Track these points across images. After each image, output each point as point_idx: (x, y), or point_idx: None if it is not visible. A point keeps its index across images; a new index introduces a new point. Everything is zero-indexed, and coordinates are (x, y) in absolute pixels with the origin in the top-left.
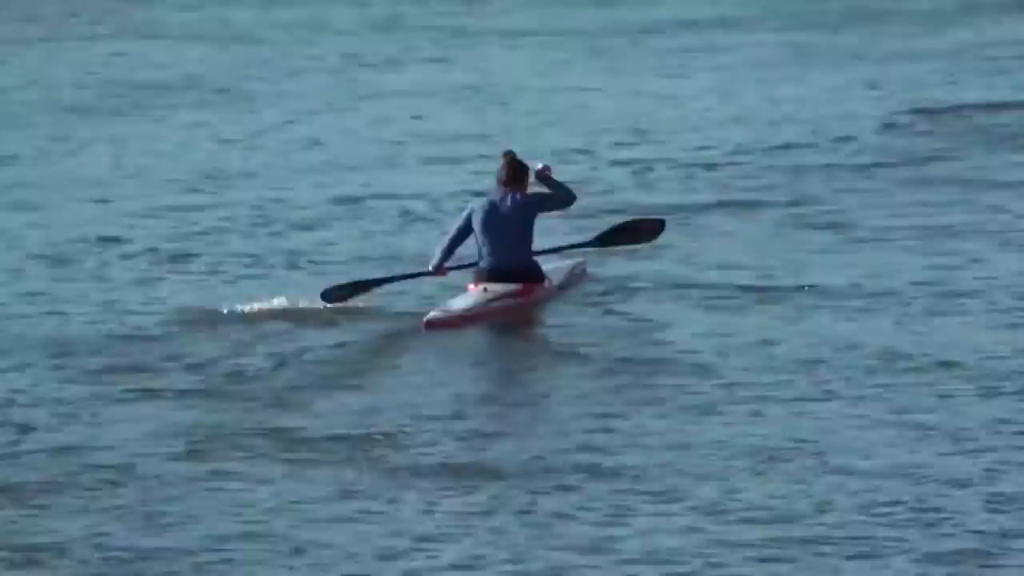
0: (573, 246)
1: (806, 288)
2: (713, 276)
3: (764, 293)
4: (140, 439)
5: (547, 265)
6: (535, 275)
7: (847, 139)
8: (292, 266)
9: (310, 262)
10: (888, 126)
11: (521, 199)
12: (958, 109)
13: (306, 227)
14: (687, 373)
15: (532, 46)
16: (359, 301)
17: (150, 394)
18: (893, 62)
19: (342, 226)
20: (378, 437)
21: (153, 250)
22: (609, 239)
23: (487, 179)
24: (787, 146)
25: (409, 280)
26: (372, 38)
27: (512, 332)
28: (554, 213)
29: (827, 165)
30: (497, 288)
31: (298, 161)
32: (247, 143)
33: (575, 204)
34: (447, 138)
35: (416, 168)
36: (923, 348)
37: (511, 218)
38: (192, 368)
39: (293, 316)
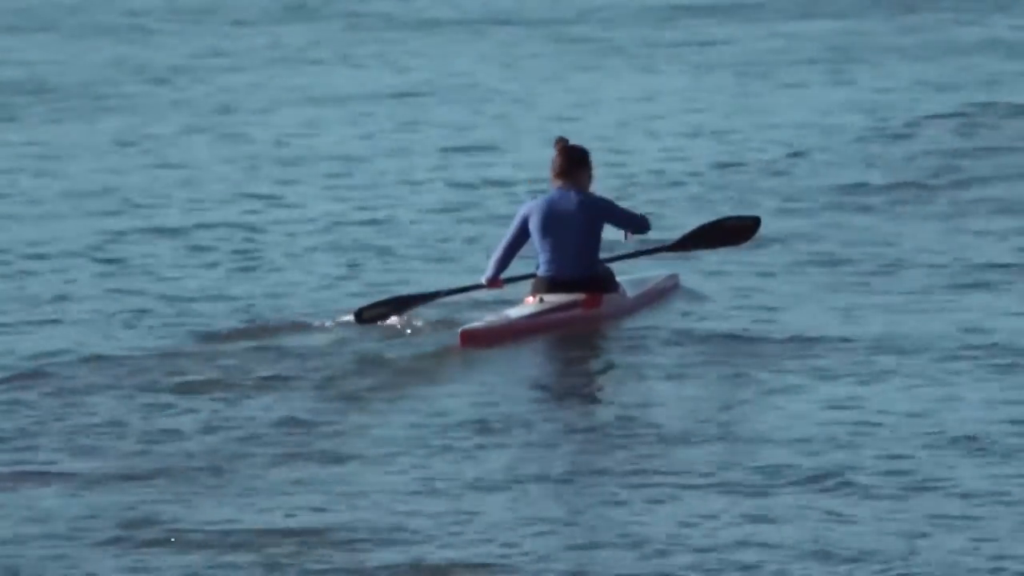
0: (648, 251)
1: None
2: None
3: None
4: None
5: (629, 276)
6: (603, 284)
7: (801, 154)
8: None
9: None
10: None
11: (586, 198)
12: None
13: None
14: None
15: (473, 38)
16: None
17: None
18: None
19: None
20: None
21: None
22: (694, 241)
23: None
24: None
25: (460, 295)
26: (279, 29)
27: (561, 348)
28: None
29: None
30: (555, 299)
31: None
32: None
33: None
34: (383, 152)
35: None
36: None
37: (572, 218)
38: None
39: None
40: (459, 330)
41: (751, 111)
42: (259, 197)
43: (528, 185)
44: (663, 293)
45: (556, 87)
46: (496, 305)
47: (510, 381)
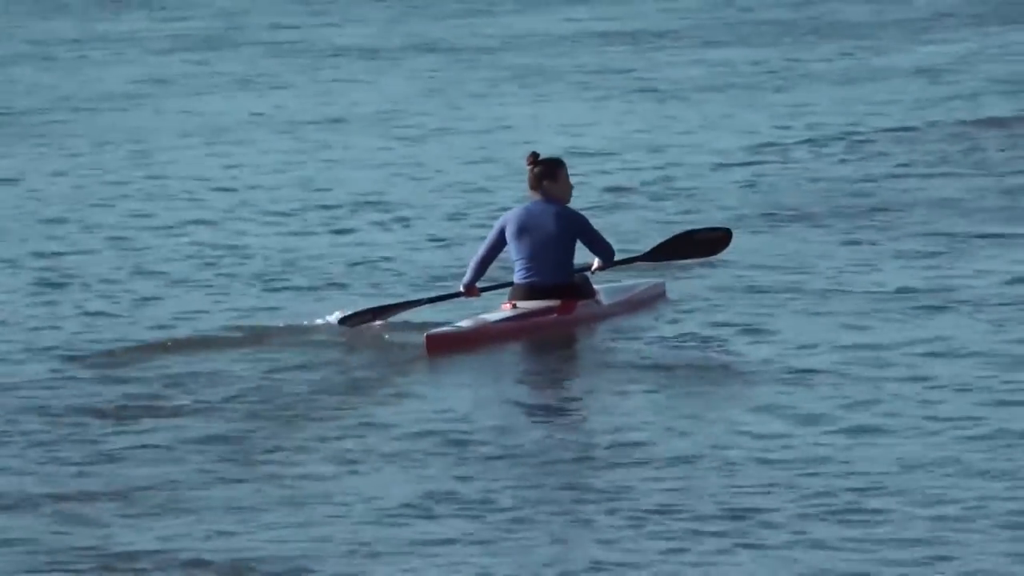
0: (621, 262)
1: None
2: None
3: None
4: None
5: (613, 284)
6: (578, 291)
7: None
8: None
9: None
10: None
11: (562, 210)
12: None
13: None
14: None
15: (391, 65)
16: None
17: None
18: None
19: None
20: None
21: None
22: (666, 252)
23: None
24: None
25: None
26: (180, 57)
27: (526, 357)
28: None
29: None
30: (530, 306)
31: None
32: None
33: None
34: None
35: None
36: None
37: (548, 228)
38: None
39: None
40: (425, 335)
41: (674, 136)
42: (163, 226)
43: (450, 209)
44: (644, 301)
45: (476, 112)
46: (472, 311)
47: (469, 395)
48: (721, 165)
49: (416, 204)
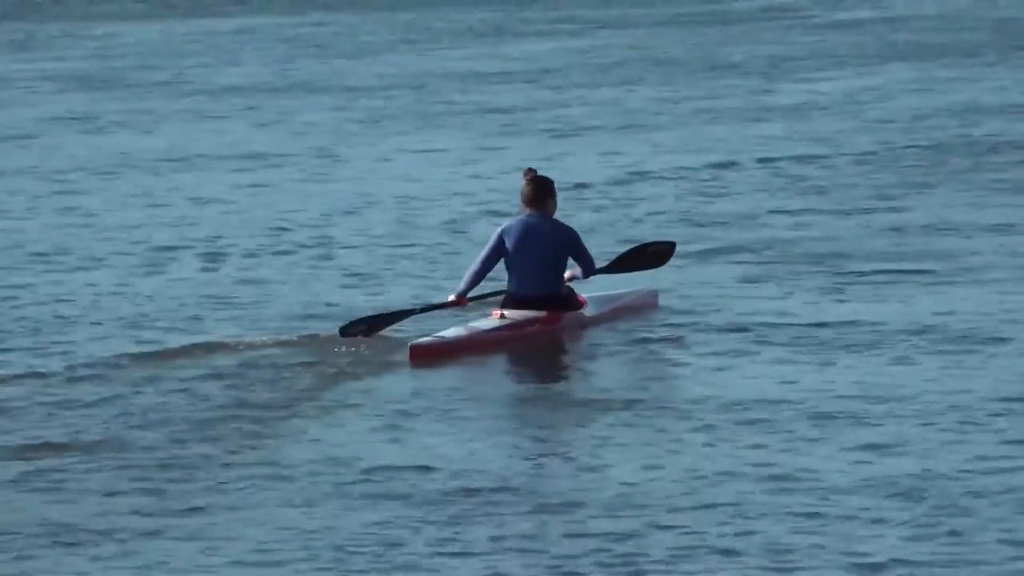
0: (588, 274)
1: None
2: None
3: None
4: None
5: (604, 292)
6: (565, 303)
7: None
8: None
9: None
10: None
11: (557, 225)
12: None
13: None
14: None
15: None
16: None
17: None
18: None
19: None
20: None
21: None
22: (621, 265)
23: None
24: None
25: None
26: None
27: (517, 361)
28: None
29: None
30: (518, 315)
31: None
32: None
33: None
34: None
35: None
36: None
37: (543, 241)
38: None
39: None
40: (409, 345)
41: (560, 174)
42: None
43: (321, 248)
44: (635, 309)
45: (346, 152)
46: (461, 320)
47: (425, 414)
48: (605, 197)
49: (267, 242)
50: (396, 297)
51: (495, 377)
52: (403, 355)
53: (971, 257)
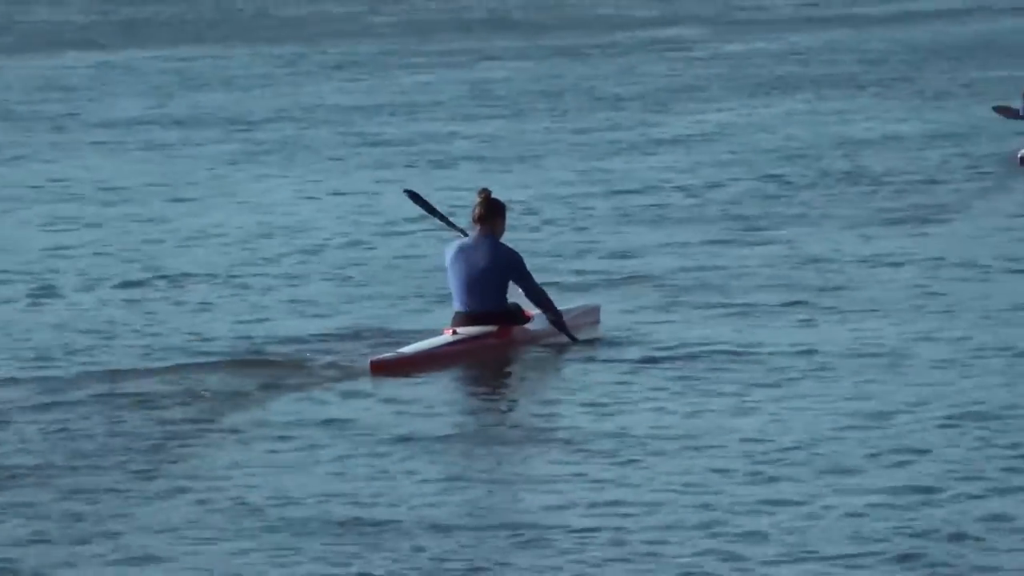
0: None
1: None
2: None
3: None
4: None
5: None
6: (512, 317)
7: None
8: None
9: None
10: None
11: (499, 246)
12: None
13: None
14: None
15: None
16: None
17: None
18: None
19: None
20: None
21: None
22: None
23: None
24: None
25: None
26: None
27: (470, 376)
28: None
29: None
30: (469, 331)
31: None
32: None
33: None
34: None
35: None
36: None
37: (485, 260)
38: None
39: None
40: (369, 360)
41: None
42: None
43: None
44: (578, 324)
45: (223, 185)
46: (414, 336)
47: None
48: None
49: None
50: (286, 325)
51: (435, 397)
52: (317, 379)
53: (850, 287)
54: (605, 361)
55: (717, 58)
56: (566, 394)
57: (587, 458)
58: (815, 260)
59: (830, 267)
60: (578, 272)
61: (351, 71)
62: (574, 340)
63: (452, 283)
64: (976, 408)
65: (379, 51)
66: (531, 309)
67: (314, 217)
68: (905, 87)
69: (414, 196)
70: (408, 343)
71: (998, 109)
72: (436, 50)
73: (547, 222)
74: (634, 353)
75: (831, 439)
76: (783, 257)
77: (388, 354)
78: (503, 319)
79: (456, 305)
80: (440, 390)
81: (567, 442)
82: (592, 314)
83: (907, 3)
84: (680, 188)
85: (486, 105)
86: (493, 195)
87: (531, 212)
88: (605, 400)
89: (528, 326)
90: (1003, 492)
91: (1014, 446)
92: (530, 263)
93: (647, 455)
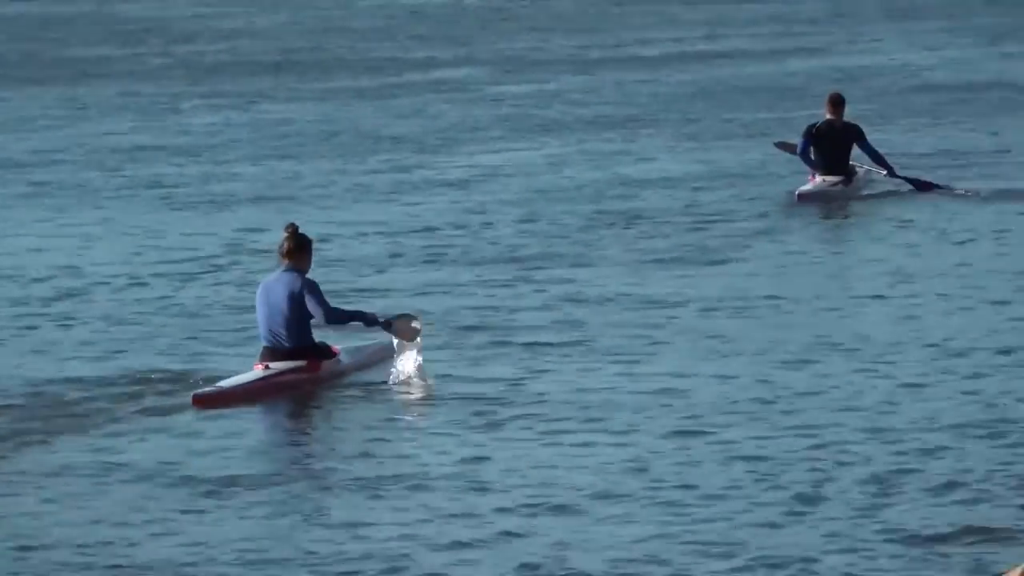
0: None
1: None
2: None
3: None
4: None
5: (352, 343)
6: (320, 352)
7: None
8: None
9: None
10: None
11: (302, 281)
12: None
13: None
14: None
15: None
16: None
17: None
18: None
19: None
20: None
21: None
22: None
23: None
24: None
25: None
26: None
27: (283, 409)
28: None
29: None
30: (280, 366)
31: None
32: None
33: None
34: None
35: None
36: None
37: (291, 298)
38: None
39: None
40: (191, 394)
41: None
42: None
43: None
44: (378, 358)
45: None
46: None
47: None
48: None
49: None
50: (75, 366)
51: (250, 435)
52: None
53: (627, 327)
54: (393, 399)
55: (496, 99)
56: (364, 432)
57: (376, 497)
58: (593, 301)
59: (607, 307)
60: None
61: (131, 112)
62: (386, 326)
63: (259, 318)
64: (747, 448)
65: (160, 92)
66: (337, 344)
67: (95, 258)
68: (683, 128)
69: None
70: (197, 384)
71: (779, 144)
72: (219, 91)
73: (328, 262)
74: (419, 391)
75: (600, 476)
76: (561, 298)
77: (209, 388)
78: (310, 354)
79: (263, 340)
80: (253, 426)
81: (361, 480)
82: (388, 348)
83: (684, 45)
84: (459, 228)
85: (268, 146)
86: (300, 230)
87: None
88: (397, 438)
89: (337, 359)
90: (775, 526)
91: (791, 484)
92: None
93: (426, 491)
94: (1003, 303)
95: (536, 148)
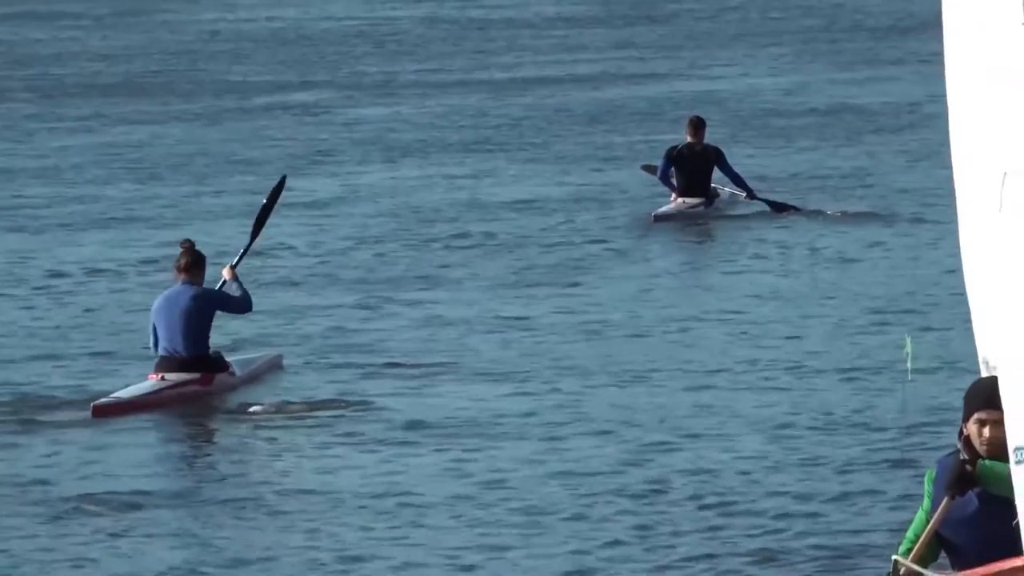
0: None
1: None
2: None
3: None
4: None
5: (237, 356)
6: (215, 364)
7: None
8: None
9: None
10: None
11: (201, 293)
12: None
13: None
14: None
15: None
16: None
17: None
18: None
19: None
20: None
21: None
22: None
23: None
24: None
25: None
26: None
27: (181, 417)
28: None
29: None
30: (175, 377)
31: None
32: None
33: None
34: None
35: None
36: None
37: (188, 310)
38: None
39: None
40: (91, 404)
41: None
42: None
43: None
44: (267, 370)
45: None
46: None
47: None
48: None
49: None
50: None
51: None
52: None
53: (482, 350)
54: (259, 419)
55: (353, 122)
56: (252, 449)
57: (263, 513)
58: (451, 323)
59: (466, 329)
60: (224, 334)
61: None
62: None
63: (158, 329)
64: (579, 466)
65: (13, 114)
66: (230, 356)
67: None
68: (541, 151)
69: (275, 192)
70: (69, 401)
71: (645, 167)
72: (70, 114)
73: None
74: (282, 416)
75: (458, 489)
76: (421, 319)
77: (107, 399)
78: (205, 366)
79: (160, 351)
80: (145, 438)
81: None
82: (276, 360)
83: (542, 68)
84: (319, 251)
85: (120, 168)
86: (196, 247)
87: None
88: (261, 456)
89: (232, 371)
90: (610, 544)
91: (623, 513)
92: (129, 318)
93: (305, 508)
94: (846, 321)
95: (393, 171)
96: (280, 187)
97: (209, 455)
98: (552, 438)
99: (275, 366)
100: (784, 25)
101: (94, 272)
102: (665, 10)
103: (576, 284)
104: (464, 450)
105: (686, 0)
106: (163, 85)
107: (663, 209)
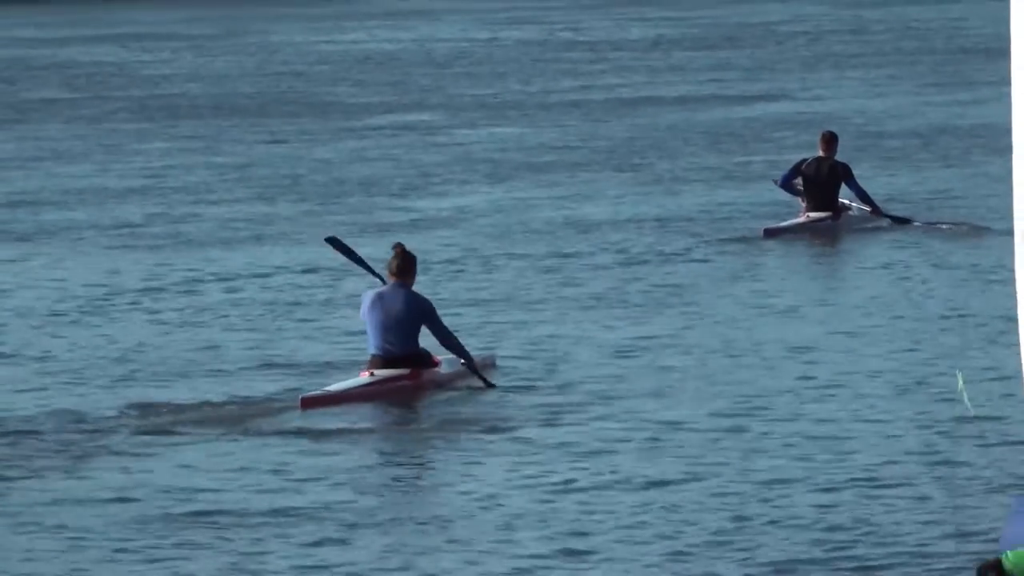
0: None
1: None
2: None
3: None
4: None
5: (450, 355)
6: (423, 361)
7: None
8: None
9: None
10: None
11: (413, 295)
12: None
13: None
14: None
15: None
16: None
17: None
18: None
19: None
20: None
21: None
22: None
23: None
24: None
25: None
26: None
27: (390, 410)
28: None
29: None
30: (384, 373)
31: None
32: None
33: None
34: None
35: None
36: None
37: (399, 310)
38: None
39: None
40: (300, 396)
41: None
42: None
43: None
44: (486, 368)
45: None
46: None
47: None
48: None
49: None
50: (35, 401)
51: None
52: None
53: (589, 369)
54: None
55: (454, 144)
56: (474, 440)
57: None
58: (566, 340)
59: (565, 350)
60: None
61: (96, 153)
62: (486, 382)
63: (368, 328)
64: (690, 495)
65: (114, 133)
66: (439, 354)
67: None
68: (646, 171)
69: (335, 243)
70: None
71: (785, 183)
72: (178, 133)
73: (314, 302)
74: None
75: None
76: (532, 341)
77: (317, 391)
78: (415, 363)
79: (371, 349)
80: (359, 429)
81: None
82: (489, 360)
83: (641, 88)
84: (425, 272)
85: (230, 188)
86: (407, 249)
87: (279, 291)
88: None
89: (437, 370)
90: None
91: (750, 548)
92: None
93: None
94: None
95: (496, 192)
96: (338, 246)
97: (402, 467)
98: (662, 458)
99: (488, 365)
100: (881, 47)
101: (263, 278)
102: (761, 33)
103: (683, 304)
104: (571, 468)
105: (782, 23)
106: (269, 105)
107: (782, 224)
